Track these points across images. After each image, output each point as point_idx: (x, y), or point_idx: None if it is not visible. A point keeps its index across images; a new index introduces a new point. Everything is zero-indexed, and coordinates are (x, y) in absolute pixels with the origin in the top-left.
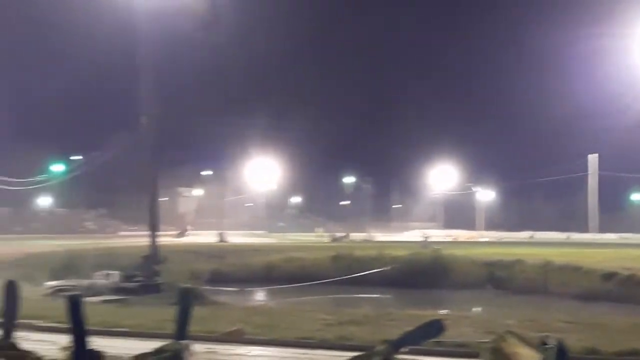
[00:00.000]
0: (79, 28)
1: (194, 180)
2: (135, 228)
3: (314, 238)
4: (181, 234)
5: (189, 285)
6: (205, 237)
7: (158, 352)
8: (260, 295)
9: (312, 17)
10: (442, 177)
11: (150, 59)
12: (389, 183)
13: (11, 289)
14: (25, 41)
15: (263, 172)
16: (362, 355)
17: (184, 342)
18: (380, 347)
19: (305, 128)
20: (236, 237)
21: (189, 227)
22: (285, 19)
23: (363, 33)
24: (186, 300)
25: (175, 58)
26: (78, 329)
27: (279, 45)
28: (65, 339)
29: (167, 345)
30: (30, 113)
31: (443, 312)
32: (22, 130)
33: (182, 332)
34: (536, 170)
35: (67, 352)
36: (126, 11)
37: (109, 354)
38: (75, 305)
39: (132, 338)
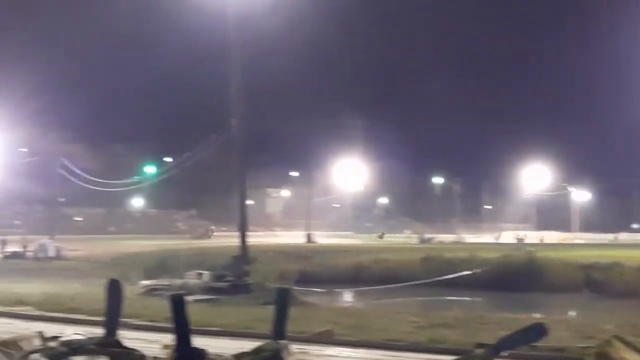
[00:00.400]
0: (170, 32)
1: (282, 181)
2: (225, 228)
3: (401, 239)
4: (204, 236)
5: (286, 286)
6: (293, 238)
7: (257, 351)
8: (348, 297)
9: (396, 16)
10: (534, 177)
11: (240, 61)
12: (479, 183)
13: (114, 287)
14: (118, 46)
15: (350, 172)
16: (460, 358)
17: (282, 341)
18: (478, 351)
19: (393, 128)
20: (323, 238)
21: (212, 228)
22: (370, 18)
23: (452, 32)
24: (284, 300)
25: (264, 60)
26: (181, 327)
27: (365, 46)
28: (160, 337)
29: (265, 344)
30: (124, 116)
31: (537, 315)
32: (116, 134)
33: (280, 331)
34: (633, 169)
35: (169, 350)
36: (217, 14)
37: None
38: (178, 304)
39: (224, 337)
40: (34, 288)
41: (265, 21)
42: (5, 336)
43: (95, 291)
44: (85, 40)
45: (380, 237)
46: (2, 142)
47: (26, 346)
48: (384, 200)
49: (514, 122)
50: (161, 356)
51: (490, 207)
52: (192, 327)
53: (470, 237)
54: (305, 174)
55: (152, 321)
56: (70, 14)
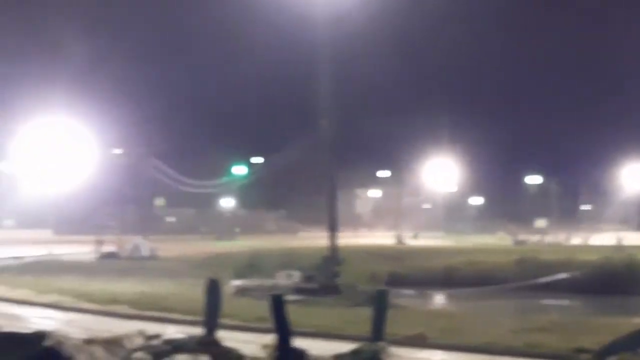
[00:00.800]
0: (259, 32)
1: (371, 181)
2: (313, 229)
3: (495, 241)
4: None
5: (383, 288)
6: (383, 239)
7: (355, 352)
8: (440, 299)
9: (488, 11)
10: (635, 176)
11: (330, 61)
12: (577, 182)
13: (214, 287)
14: (208, 48)
15: (442, 172)
16: None
17: (380, 343)
18: (582, 356)
19: (486, 126)
20: (415, 239)
21: (237, 230)
22: (459, 15)
23: (547, 26)
24: (382, 302)
25: (354, 59)
26: (282, 327)
27: (455, 43)
28: (252, 337)
29: (363, 345)
30: (214, 117)
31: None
32: (207, 135)
33: (378, 333)
34: None
35: (269, 350)
36: (306, 13)
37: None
38: (279, 305)
39: (315, 338)
40: (129, 287)
41: (355, 19)
42: (106, 334)
43: (187, 291)
44: (175, 42)
45: (518, 242)
46: (97, 144)
47: (129, 344)
48: (476, 201)
49: (613, 119)
50: (260, 356)
51: (588, 207)
52: None
53: (568, 239)
54: (395, 174)
55: (243, 321)
56: (162, 16)
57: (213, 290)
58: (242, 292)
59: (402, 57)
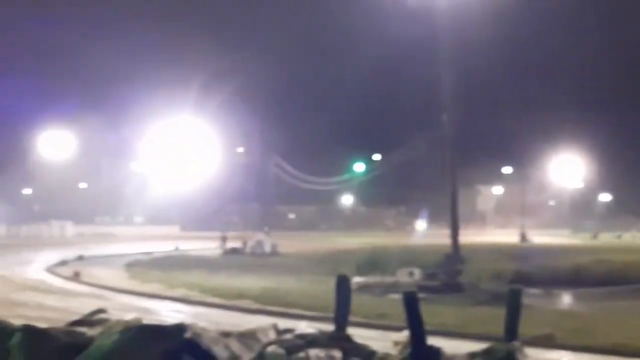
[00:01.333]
0: (378, 26)
1: (494, 177)
2: (434, 226)
3: (628, 239)
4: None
5: (518, 286)
6: (506, 237)
7: (488, 352)
8: (568, 299)
9: (610, 5)
10: None
11: (451, 57)
12: None
13: (343, 284)
14: (327, 45)
15: (567, 168)
16: None
17: (515, 343)
18: None
19: (613, 121)
20: (538, 237)
21: (249, 234)
22: (583, 8)
23: None
24: (516, 301)
25: (475, 54)
26: (416, 324)
27: (582, 38)
28: (375, 334)
29: (496, 345)
30: (334, 115)
31: None
32: (327, 132)
33: (512, 332)
34: None
35: (400, 347)
36: (426, 9)
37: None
38: (412, 302)
39: (438, 337)
40: (252, 282)
41: (475, 14)
42: (233, 328)
43: (309, 286)
44: (294, 41)
45: (595, 236)
46: (222, 143)
47: (263, 338)
48: (604, 197)
49: None
50: (392, 353)
51: None
52: (404, 325)
53: None
54: (518, 170)
55: (365, 318)
56: (281, 15)
57: (343, 286)
58: (362, 288)
59: (525, 50)
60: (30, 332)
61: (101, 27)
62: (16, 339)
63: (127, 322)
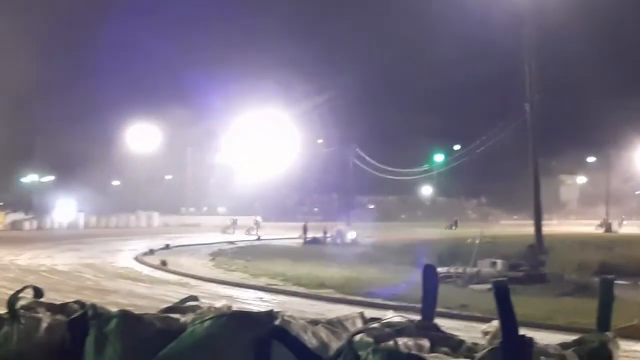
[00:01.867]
0: (459, 14)
1: (577, 166)
2: (516, 217)
3: None
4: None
5: (610, 276)
6: (590, 227)
7: (580, 342)
8: None
9: None
10: None
11: (535, 42)
12: None
13: (431, 273)
14: (406, 33)
15: None
16: None
17: (608, 333)
18: None
19: None
20: (624, 227)
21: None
22: None
23: None
24: (609, 290)
25: (557, 42)
26: (507, 314)
27: None
28: (456, 324)
29: (588, 336)
30: (414, 105)
31: None
32: (406, 123)
33: (605, 323)
34: None
35: (490, 337)
36: None
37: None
38: (502, 291)
39: (522, 327)
40: (334, 272)
41: (558, 1)
42: (326, 317)
43: (390, 276)
44: (371, 29)
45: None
46: (302, 136)
47: (350, 326)
48: None
49: None
50: (481, 342)
51: None
52: (487, 316)
53: None
54: (602, 159)
55: (447, 308)
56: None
57: (429, 275)
58: (444, 279)
59: (610, 37)
60: (126, 318)
61: (183, 23)
62: (113, 324)
63: (218, 309)
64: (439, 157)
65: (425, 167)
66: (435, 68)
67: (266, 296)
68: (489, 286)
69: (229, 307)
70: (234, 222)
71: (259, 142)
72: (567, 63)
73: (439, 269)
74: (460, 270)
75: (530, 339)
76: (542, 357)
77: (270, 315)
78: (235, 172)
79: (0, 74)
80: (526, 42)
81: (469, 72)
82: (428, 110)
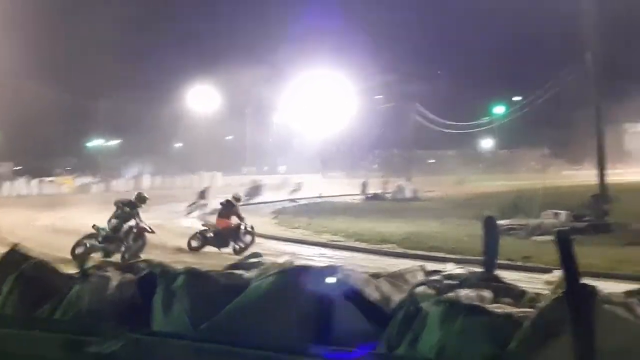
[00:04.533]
0: None
1: None
2: (579, 167)
3: None
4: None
5: None
6: None
7: None
8: None
9: None
10: None
11: None
12: None
13: (491, 224)
14: None
15: None
16: None
17: None
18: None
19: None
20: None
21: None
22: None
23: None
24: None
25: None
26: (569, 263)
27: None
28: (520, 276)
29: None
30: (473, 58)
31: None
32: (466, 75)
33: None
34: None
35: (553, 287)
36: None
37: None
38: (565, 241)
39: (585, 278)
40: (395, 227)
41: None
42: (391, 269)
43: (451, 230)
44: None
45: None
46: (361, 91)
47: (411, 279)
48: None
49: None
50: (544, 292)
51: None
52: (554, 268)
53: None
54: None
55: (510, 260)
56: None
57: (491, 227)
58: (507, 231)
59: None
60: (192, 275)
61: None
62: (180, 281)
63: (281, 264)
64: (499, 109)
65: (486, 119)
66: (492, 19)
67: (328, 252)
68: (551, 237)
69: (291, 263)
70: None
71: (317, 101)
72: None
73: (502, 222)
74: (523, 222)
75: (593, 287)
76: (606, 305)
77: (331, 269)
78: (295, 131)
79: (68, 38)
80: None
81: (528, 21)
82: (487, 63)
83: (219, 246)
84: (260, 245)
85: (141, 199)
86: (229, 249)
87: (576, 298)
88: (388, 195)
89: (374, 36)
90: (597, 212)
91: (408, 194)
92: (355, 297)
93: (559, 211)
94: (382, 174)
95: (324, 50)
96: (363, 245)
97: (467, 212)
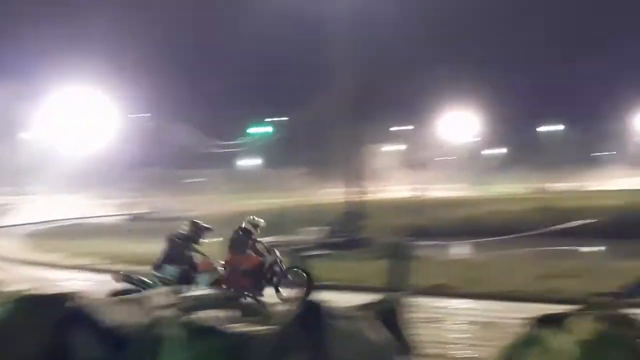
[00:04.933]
0: None
1: (389, 135)
2: (335, 185)
3: (518, 190)
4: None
5: (398, 239)
6: (403, 192)
7: (378, 302)
8: (463, 249)
9: None
10: None
11: (348, 17)
12: (597, 129)
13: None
14: (226, 3)
15: (462, 124)
16: (584, 307)
17: (397, 293)
18: (604, 299)
19: (504, 76)
20: (436, 191)
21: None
22: None
23: None
24: (397, 253)
25: (372, 14)
26: (309, 283)
27: None
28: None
29: (387, 296)
30: (238, 79)
31: None
32: (228, 95)
33: (396, 283)
34: None
35: (291, 304)
36: None
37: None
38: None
39: (341, 291)
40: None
41: None
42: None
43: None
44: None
45: (538, 191)
46: (121, 110)
47: (157, 301)
48: (498, 151)
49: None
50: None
51: (606, 153)
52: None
53: (590, 185)
54: (416, 127)
55: None
56: None
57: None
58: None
59: (424, 10)
60: None
61: None
62: None
63: (17, 292)
64: (262, 129)
65: (249, 139)
66: (255, 41)
67: (82, 276)
68: (310, 253)
69: (28, 290)
70: None
71: (75, 119)
72: (381, 36)
73: (266, 239)
74: (284, 239)
75: (319, 304)
76: (331, 320)
77: (65, 295)
78: (50, 149)
79: None
80: (339, 15)
81: (287, 46)
82: (246, 83)
83: None
84: (7, 272)
85: None
86: None
87: (307, 315)
88: (151, 215)
89: (134, 54)
90: (351, 228)
91: (170, 213)
92: (85, 323)
93: (316, 228)
94: (144, 194)
95: (84, 66)
96: (119, 267)
97: (226, 230)
